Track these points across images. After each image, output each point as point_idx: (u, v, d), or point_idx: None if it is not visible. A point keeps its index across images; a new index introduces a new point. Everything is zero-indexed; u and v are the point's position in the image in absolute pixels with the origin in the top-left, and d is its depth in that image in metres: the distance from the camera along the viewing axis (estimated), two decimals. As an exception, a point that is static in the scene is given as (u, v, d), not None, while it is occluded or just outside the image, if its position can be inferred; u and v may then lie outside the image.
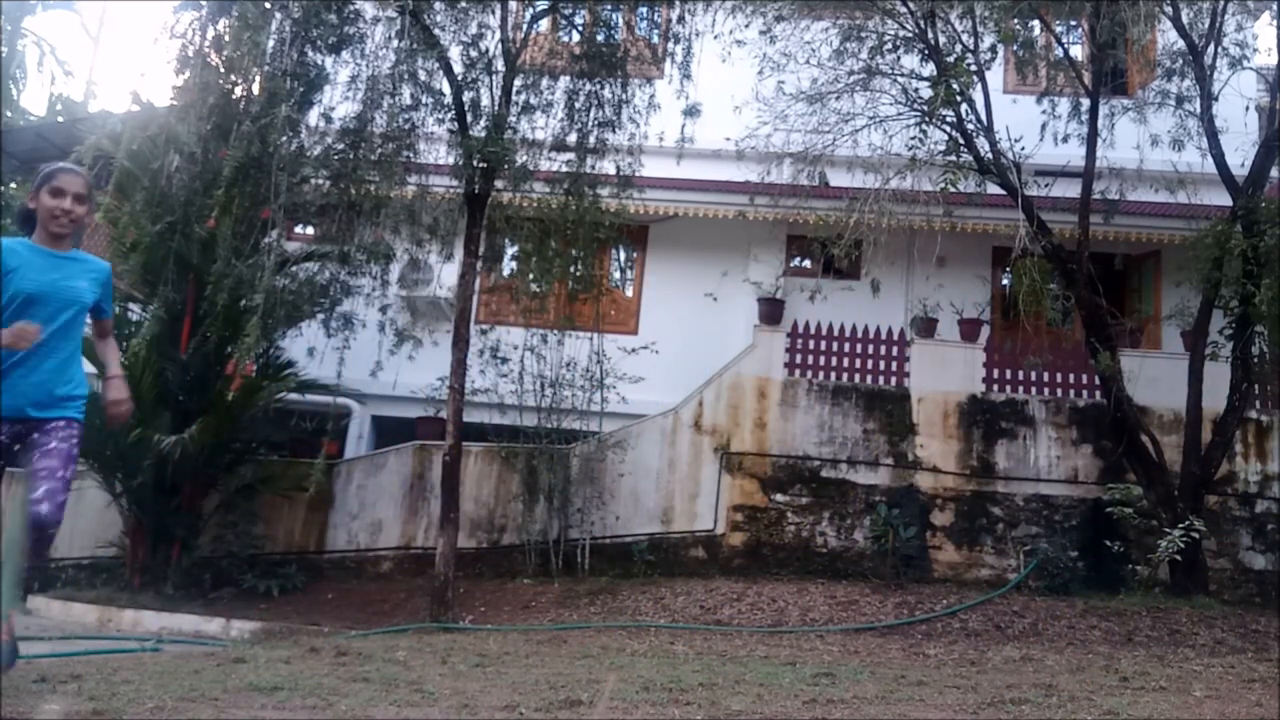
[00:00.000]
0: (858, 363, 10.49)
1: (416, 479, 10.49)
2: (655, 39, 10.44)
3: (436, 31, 8.51)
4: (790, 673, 4.76)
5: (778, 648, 6.38)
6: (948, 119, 8.66)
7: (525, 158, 8.69)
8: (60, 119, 17.82)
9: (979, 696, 4.01)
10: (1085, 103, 9.83)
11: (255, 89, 8.78)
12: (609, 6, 9.71)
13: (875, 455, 9.99)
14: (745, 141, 9.93)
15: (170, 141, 8.99)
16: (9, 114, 19.22)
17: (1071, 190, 9.68)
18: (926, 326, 10.67)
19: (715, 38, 9.41)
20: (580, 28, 9.66)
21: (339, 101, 8.66)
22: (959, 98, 8.30)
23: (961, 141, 8.76)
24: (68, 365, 3.59)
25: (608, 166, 9.17)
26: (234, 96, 9.07)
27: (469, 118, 8.55)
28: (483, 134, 8.31)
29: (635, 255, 12.80)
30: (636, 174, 9.29)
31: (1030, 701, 3.84)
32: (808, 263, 11.82)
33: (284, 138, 7.89)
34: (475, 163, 8.17)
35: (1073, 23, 10.68)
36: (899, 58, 9.31)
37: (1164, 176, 10.01)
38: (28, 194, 3.63)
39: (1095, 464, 9.81)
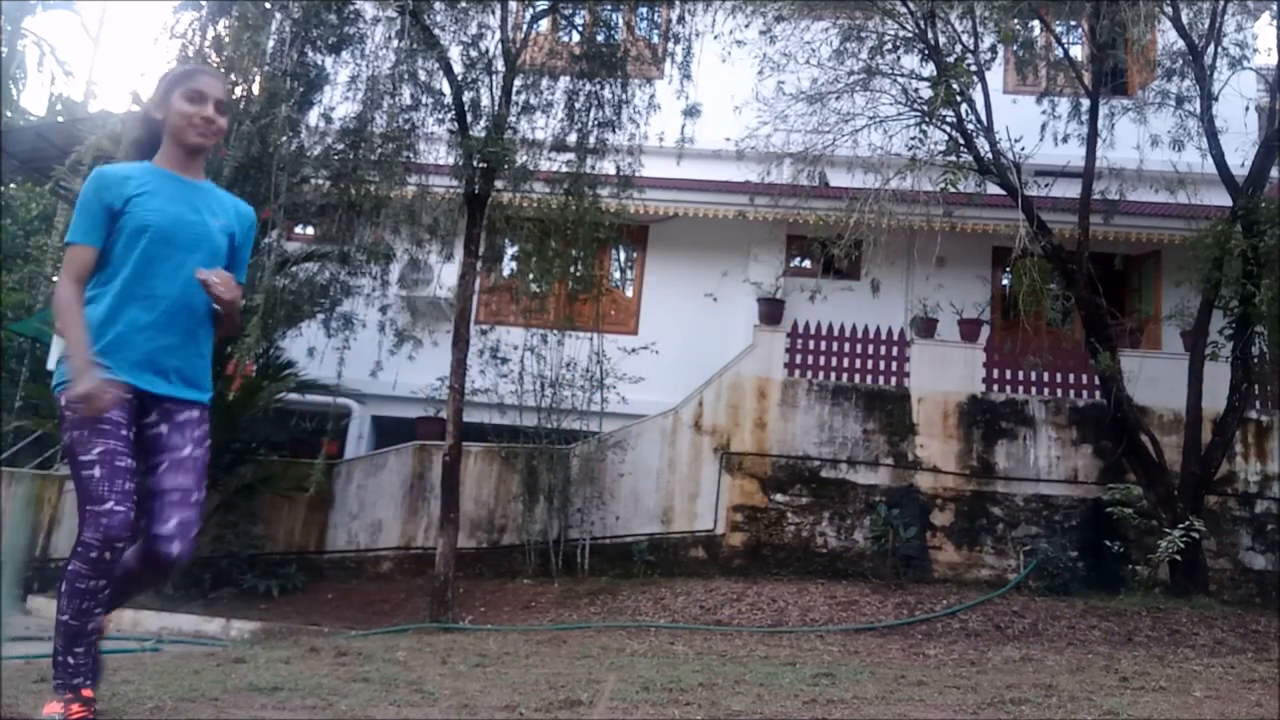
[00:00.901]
0: (858, 363, 10.49)
1: (416, 479, 10.49)
2: (655, 39, 10.44)
3: (436, 31, 8.52)
4: (790, 673, 4.76)
5: (778, 648, 6.38)
6: (948, 119, 8.66)
7: (525, 158, 8.70)
8: (60, 119, 17.82)
9: (979, 696, 4.01)
10: (1085, 103, 9.83)
11: (255, 89, 8.78)
12: (609, 6, 9.71)
13: (875, 455, 9.99)
14: (745, 141, 9.92)
15: (170, 141, 8.97)
16: (9, 114, 19.22)
17: (1071, 190, 9.68)
18: (926, 326, 10.67)
19: (715, 38, 9.40)
20: (580, 28, 9.67)
21: (339, 101, 8.67)
22: (959, 98, 8.30)
23: (961, 141, 8.76)
24: (198, 332, 2.74)
25: (608, 166, 9.17)
26: (234, 96, 9.07)
27: (469, 118, 8.55)
28: (483, 134, 8.32)
29: (635, 255, 12.80)
30: (636, 174, 9.29)
31: (1030, 701, 3.84)
32: (808, 263, 11.82)
33: (284, 138, 7.89)
34: (475, 163, 8.17)
35: (1073, 23, 10.67)
36: (899, 58, 9.30)
37: (1164, 176, 10.01)
38: (153, 104, 2.81)
39: (1095, 464, 9.81)
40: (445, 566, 7.98)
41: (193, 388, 2.72)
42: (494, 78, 8.70)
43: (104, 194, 2.65)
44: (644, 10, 10.35)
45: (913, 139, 8.50)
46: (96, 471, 2.46)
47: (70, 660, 2.53)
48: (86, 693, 2.58)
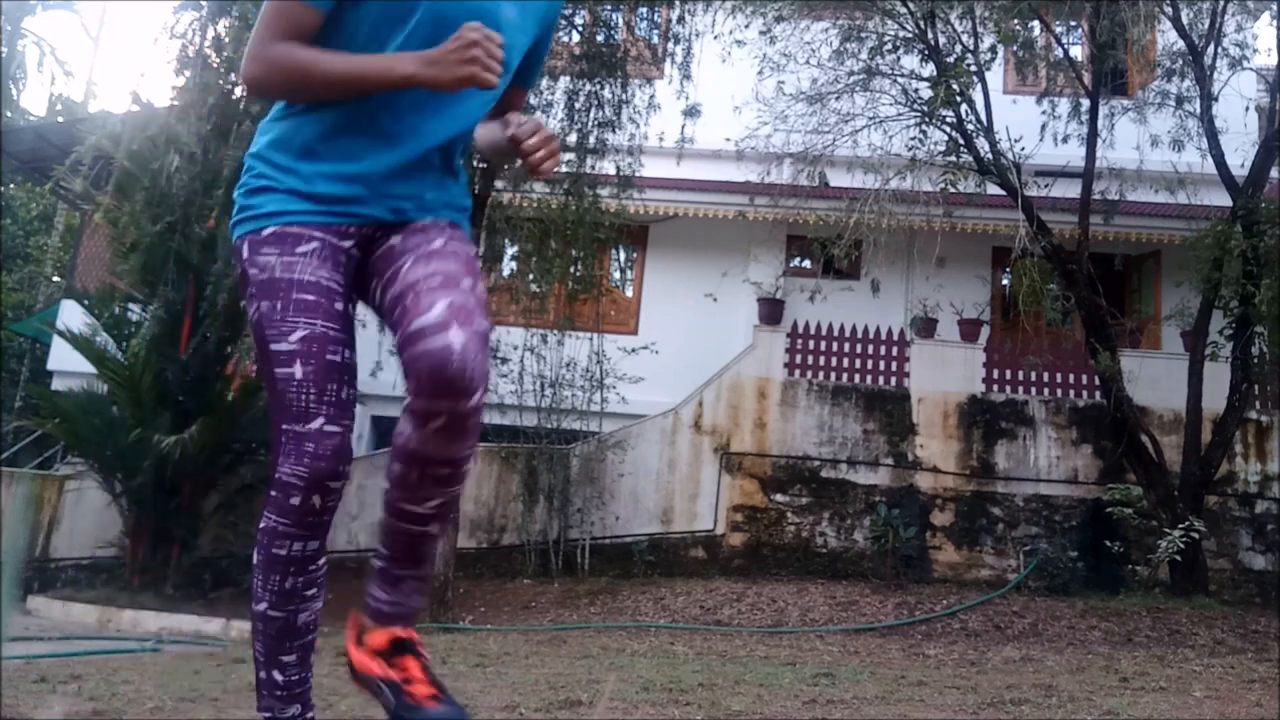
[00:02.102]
0: (858, 363, 10.50)
1: (416, 479, 10.47)
2: (655, 39, 10.44)
3: (437, 31, 8.51)
4: (790, 673, 4.76)
5: (778, 648, 6.38)
6: (948, 119, 8.66)
7: (525, 158, 8.68)
8: (60, 119, 17.83)
9: (979, 697, 4.01)
10: (1085, 103, 9.82)
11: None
12: (609, 6, 9.72)
13: (875, 455, 9.99)
14: (745, 142, 9.91)
15: (170, 141, 8.99)
16: (9, 114, 19.23)
17: (1071, 190, 9.68)
18: (926, 326, 10.67)
19: (715, 38, 9.41)
20: (580, 28, 9.67)
21: (339, 101, 8.66)
22: (959, 98, 8.30)
23: (961, 142, 8.76)
24: (455, 158, 1.84)
25: (608, 167, 9.18)
26: (234, 96, 9.07)
27: (469, 118, 8.54)
28: (483, 134, 8.31)
29: (635, 255, 12.80)
30: (636, 174, 9.30)
31: (1030, 701, 3.84)
32: (808, 263, 11.82)
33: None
34: (475, 163, 8.18)
35: (1073, 23, 10.67)
36: (899, 58, 9.30)
37: (1164, 177, 10.00)
38: None
39: (1095, 464, 9.80)
40: (445, 567, 7.97)
41: (448, 209, 1.84)
42: (494, 78, 8.70)
43: None
44: (644, 10, 10.35)
45: (913, 139, 8.50)
46: (297, 370, 1.61)
47: (277, 676, 1.70)
48: None
